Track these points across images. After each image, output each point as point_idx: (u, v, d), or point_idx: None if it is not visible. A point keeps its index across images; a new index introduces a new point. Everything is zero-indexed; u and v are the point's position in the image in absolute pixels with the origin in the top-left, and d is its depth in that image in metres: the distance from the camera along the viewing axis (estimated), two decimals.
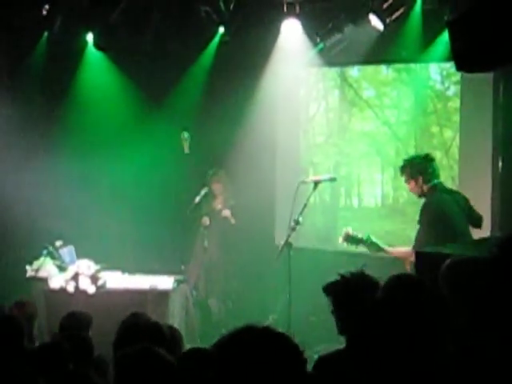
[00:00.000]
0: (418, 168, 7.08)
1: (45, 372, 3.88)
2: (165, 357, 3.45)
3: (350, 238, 7.22)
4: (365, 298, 3.67)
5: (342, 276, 4.14)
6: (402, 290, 3.54)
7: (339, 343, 4.00)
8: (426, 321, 3.34)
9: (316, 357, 4.04)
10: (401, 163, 7.28)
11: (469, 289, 3.73)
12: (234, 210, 9.27)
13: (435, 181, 7.09)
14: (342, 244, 7.33)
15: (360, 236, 7.18)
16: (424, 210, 7.01)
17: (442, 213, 6.98)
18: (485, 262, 3.85)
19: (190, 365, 3.42)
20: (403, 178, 7.22)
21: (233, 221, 9.21)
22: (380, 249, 7.21)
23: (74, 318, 5.88)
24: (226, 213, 9.24)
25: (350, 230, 7.24)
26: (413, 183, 7.12)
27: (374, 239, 7.20)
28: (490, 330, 3.51)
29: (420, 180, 7.06)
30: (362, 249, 7.28)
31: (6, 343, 4.47)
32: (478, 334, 3.56)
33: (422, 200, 7.05)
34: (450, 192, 7.27)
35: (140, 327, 4.52)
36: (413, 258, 6.85)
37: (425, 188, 7.08)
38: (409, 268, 6.92)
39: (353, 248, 7.28)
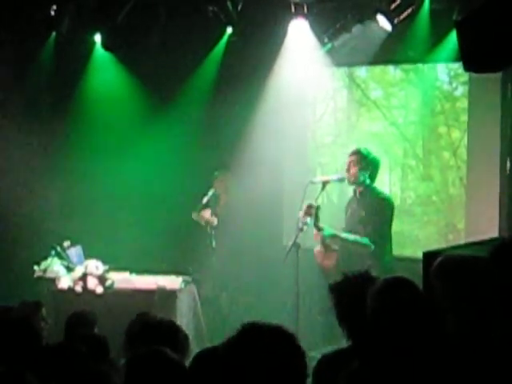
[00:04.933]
0: (373, 164, 7.54)
1: (61, 372, 3.90)
2: (175, 359, 3.46)
3: (313, 211, 7.38)
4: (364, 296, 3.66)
5: (345, 275, 4.15)
6: (396, 293, 3.53)
7: (346, 345, 4.00)
8: (423, 321, 3.36)
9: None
10: (358, 147, 7.64)
11: (459, 286, 3.74)
12: (237, 206, 9.25)
13: (373, 183, 7.57)
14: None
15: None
16: (385, 205, 7.49)
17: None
18: (477, 260, 3.87)
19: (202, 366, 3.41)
20: (352, 158, 7.52)
21: (215, 222, 9.19)
22: (332, 236, 7.48)
23: (79, 318, 5.90)
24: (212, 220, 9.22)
25: (314, 203, 7.44)
26: (358, 169, 7.46)
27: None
28: (478, 326, 3.52)
29: (368, 173, 7.48)
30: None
31: (23, 344, 4.47)
32: (465, 329, 3.57)
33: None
34: None
35: (153, 326, 4.52)
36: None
37: (360, 183, 7.49)
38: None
39: None
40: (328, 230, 7.45)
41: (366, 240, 7.30)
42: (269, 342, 2.47)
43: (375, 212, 7.39)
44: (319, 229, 7.43)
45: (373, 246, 7.25)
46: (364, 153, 7.50)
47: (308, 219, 7.37)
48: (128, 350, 4.38)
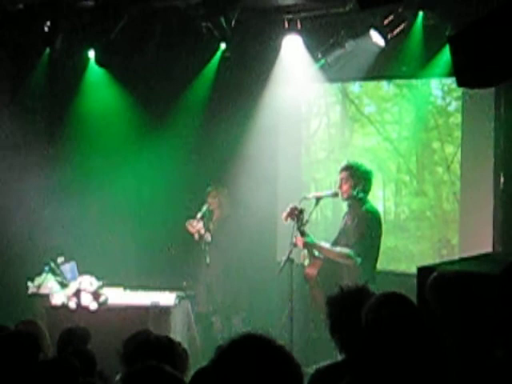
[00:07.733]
0: (365, 177, 7.44)
1: None
2: (173, 374, 3.43)
3: (297, 213, 7.36)
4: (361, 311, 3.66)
5: (342, 288, 4.15)
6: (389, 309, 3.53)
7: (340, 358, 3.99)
8: (418, 336, 3.35)
9: None
10: (348, 162, 7.58)
11: (454, 301, 3.75)
12: (231, 221, 9.24)
13: (367, 195, 7.47)
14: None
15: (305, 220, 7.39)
16: (370, 218, 7.36)
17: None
18: (471, 276, 3.87)
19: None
20: (343, 175, 7.46)
21: (209, 238, 9.18)
22: (314, 245, 7.44)
23: (72, 334, 5.88)
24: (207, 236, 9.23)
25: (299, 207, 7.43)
26: (350, 185, 7.39)
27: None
28: (473, 341, 3.52)
29: (360, 185, 7.39)
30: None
31: (22, 359, 4.45)
32: (460, 344, 3.57)
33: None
34: None
35: (151, 342, 4.50)
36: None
37: (354, 198, 7.41)
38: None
39: None
40: (311, 238, 7.40)
41: (349, 252, 7.22)
42: (262, 358, 2.45)
43: (359, 223, 7.33)
44: (302, 234, 7.37)
45: (359, 259, 7.18)
46: (354, 167, 7.44)
47: (291, 221, 7.36)
48: (126, 366, 4.34)
